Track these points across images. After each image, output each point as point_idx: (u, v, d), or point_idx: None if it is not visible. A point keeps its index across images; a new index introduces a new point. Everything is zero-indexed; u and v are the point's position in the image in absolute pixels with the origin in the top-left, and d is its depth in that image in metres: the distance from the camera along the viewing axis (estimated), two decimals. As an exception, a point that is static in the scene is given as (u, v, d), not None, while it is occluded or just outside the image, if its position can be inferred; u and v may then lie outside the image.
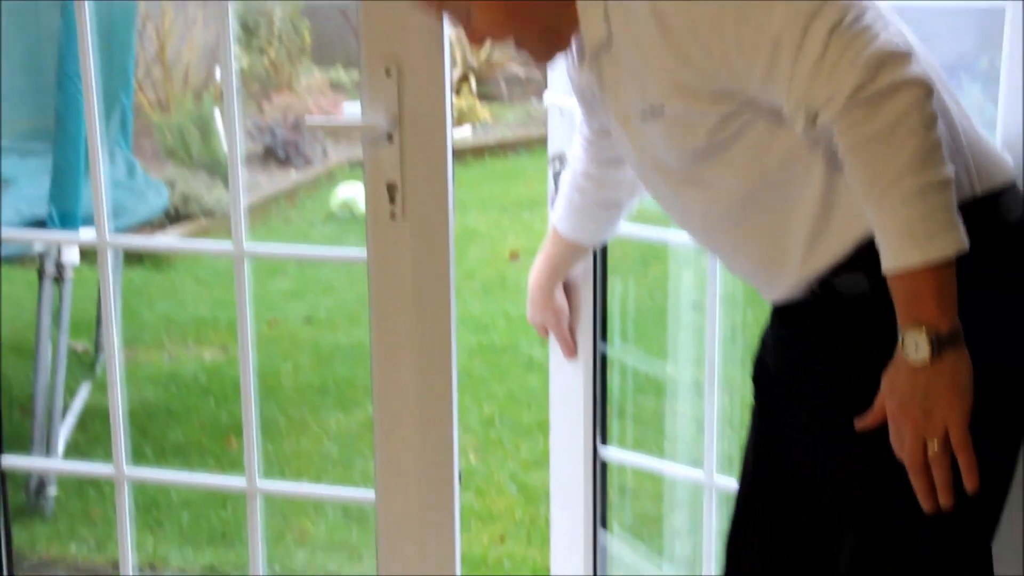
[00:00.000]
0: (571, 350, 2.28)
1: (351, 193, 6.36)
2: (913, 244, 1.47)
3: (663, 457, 2.88)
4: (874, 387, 1.58)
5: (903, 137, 1.46)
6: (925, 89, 1.47)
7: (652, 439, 2.98)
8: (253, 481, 2.26)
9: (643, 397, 2.99)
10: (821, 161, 1.60)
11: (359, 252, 2.10)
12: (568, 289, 2.25)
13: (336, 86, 8.48)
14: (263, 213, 6.43)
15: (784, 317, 1.75)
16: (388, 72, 1.97)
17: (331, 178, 7.04)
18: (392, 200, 2.02)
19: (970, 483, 1.53)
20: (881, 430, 1.57)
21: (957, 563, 1.65)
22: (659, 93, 1.62)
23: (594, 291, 2.26)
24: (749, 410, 1.89)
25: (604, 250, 2.28)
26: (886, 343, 1.55)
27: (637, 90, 1.65)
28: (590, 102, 1.83)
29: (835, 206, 1.62)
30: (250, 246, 2.16)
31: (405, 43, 1.96)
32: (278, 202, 6.63)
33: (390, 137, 1.99)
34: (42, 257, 3.61)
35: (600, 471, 2.38)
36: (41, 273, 3.60)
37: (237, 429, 2.35)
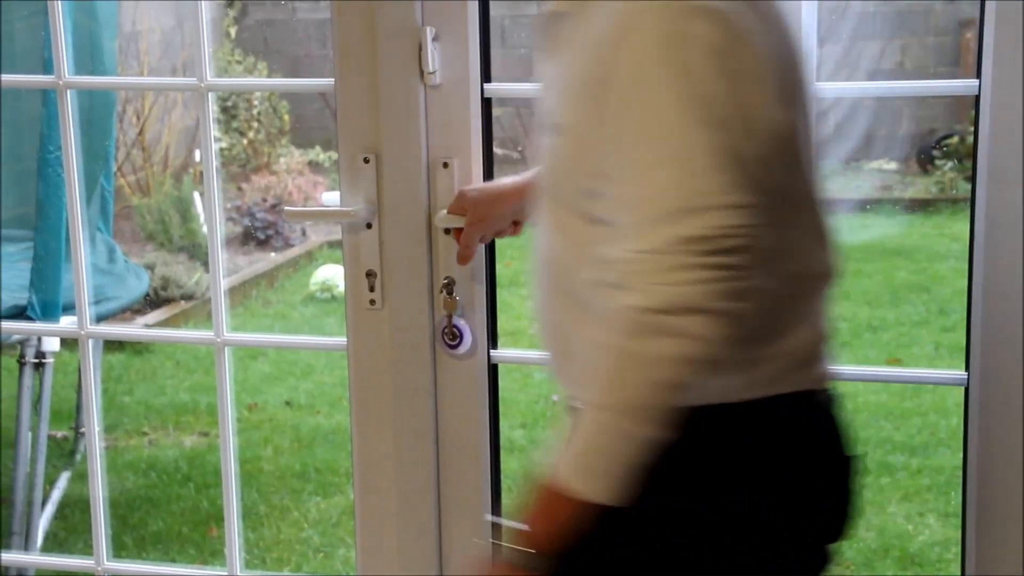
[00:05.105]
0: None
1: (330, 274, 6.36)
2: (582, 469, 1.38)
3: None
4: None
5: (643, 378, 1.34)
6: (703, 352, 1.33)
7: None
8: (235, 572, 2.24)
9: None
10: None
11: (339, 340, 2.10)
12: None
13: (315, 167, 8.52)
14: (242, 295, 6.42)
15: None
16: (366, 159, 1.99)
17: (310, 259, 7.05)
18: (371, 288, 2.03)
19: None
20: None
21: None
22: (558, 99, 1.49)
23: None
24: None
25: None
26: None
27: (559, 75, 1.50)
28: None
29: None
30: (231, 335, 2.16)
31: (382, 131, 1.98)
32: (257, 284, 6.63)
33: (369, 225, 2.00)
34: (22, 344, 3.59)
35: None
36: (21, 361, 3.58)
37: (218, 517, 2.34)
